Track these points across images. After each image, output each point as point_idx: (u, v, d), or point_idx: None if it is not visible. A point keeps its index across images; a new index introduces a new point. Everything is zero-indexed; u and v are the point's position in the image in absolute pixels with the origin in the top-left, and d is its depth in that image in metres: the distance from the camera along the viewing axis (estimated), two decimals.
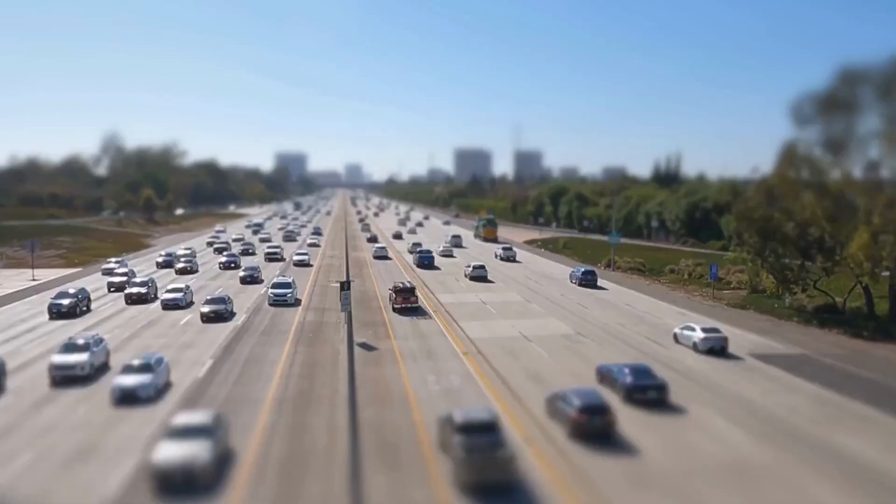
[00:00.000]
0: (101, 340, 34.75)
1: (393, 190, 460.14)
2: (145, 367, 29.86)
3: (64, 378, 31.22)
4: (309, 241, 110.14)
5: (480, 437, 21.25)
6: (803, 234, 47.82)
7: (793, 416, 27.66)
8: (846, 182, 46.89)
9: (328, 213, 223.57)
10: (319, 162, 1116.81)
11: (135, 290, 54.26)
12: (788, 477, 21.92)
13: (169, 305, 50.40)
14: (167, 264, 78.76)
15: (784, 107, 54.18)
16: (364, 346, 39.00)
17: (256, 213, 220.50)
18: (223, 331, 43.33)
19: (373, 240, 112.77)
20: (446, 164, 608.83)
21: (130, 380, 28.95)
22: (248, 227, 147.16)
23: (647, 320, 48.03)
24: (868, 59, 45.71)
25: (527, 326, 45.17)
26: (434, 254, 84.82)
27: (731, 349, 38.96)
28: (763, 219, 49.20)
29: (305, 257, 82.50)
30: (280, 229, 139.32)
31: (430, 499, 20.21)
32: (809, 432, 25.85)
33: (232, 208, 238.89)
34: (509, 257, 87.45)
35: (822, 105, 46.06)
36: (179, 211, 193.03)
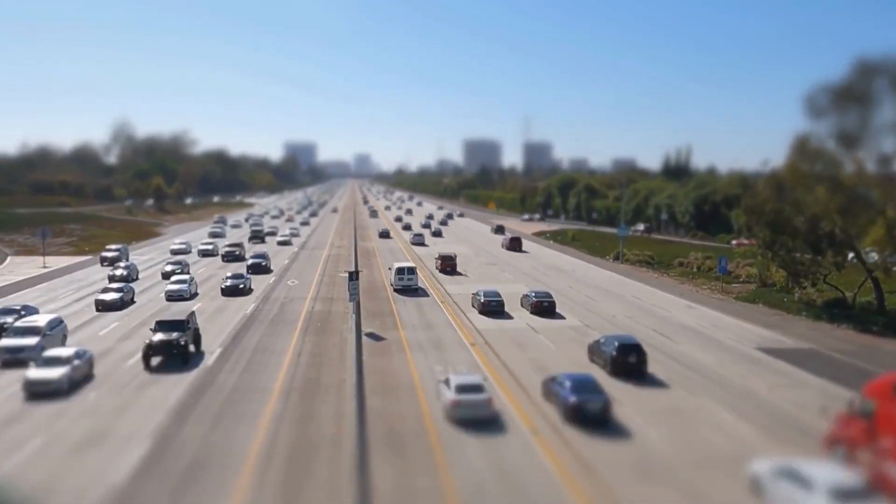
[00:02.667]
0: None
1: (401, 180, 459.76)
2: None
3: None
4: None
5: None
6: (814, 228, 47.48)
7: (800, 411, 27.56)
8: (859, 175, 46.51)
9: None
10: (329, 152, 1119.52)
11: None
12: None
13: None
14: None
15: (795, 100, 54.02)
16: (372, 335, 39.10)
17: (265, 202, 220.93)
18: (232, 319, 43.57)
19: None
20: (455, 155, 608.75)
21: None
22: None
23: (655, 313, 47.92)
24: (884, 52, 45.35)
25: (535, 318, 45.16)
26: None
27: (738, 344, 38.95)
28: (773, 212, 48.89)
29: None
30: None
31: (437, 487, 20.30)
32: (817, 427, 25.72)
33: (238, 197, 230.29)
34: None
35: (837, 97, 45.63)
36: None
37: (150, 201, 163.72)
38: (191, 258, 75.31)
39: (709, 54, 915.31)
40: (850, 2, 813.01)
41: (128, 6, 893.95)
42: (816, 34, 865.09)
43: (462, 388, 25.64)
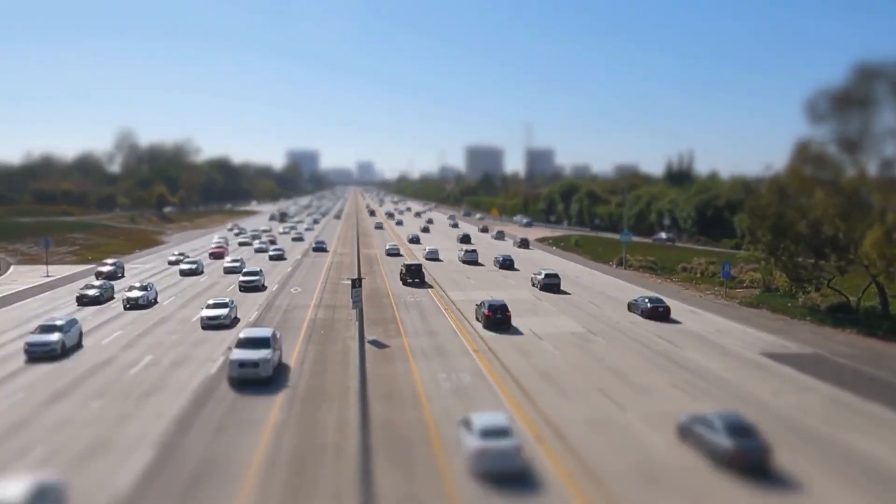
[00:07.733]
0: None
1: (404, 187, 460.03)
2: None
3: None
4: None
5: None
6: (816, 233, 47.42)
7: (805, 416, 27.46)
8: (860, 180, 46.48)
9: None
10: (331, 159, 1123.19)
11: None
12: (800, 477, 21.78)
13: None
14: None
15: (797, 105, 54.06)
16: (375, 343, 39.07)
17: (267, 210, 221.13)
18: (232, 331, 43.56)
19: None
20: (458, 162, 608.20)
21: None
22: None
23: None
24: (884, 57, 45.41)
25: (538, 324, 45.09)
26: None
27: (743, 349, 38.86)
28: (776, 216, 48.83)
29: None
30: None
31: (440, 495, 20.24)
32: (822, 432, 25.66)
33: (228, 206, 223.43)
34: None
35: (837, 102, 45.68)
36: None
37: (127, 209, 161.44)
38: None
39: (709, 59, 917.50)
40: (851, 6, 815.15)
41: (129, 15, 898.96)
42: (818, 39, 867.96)
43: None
